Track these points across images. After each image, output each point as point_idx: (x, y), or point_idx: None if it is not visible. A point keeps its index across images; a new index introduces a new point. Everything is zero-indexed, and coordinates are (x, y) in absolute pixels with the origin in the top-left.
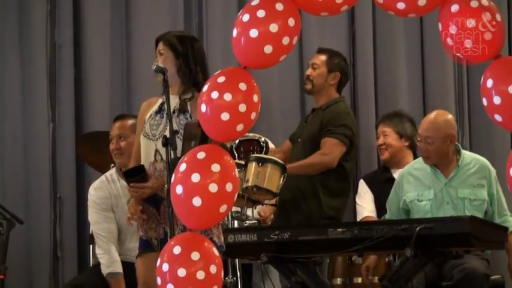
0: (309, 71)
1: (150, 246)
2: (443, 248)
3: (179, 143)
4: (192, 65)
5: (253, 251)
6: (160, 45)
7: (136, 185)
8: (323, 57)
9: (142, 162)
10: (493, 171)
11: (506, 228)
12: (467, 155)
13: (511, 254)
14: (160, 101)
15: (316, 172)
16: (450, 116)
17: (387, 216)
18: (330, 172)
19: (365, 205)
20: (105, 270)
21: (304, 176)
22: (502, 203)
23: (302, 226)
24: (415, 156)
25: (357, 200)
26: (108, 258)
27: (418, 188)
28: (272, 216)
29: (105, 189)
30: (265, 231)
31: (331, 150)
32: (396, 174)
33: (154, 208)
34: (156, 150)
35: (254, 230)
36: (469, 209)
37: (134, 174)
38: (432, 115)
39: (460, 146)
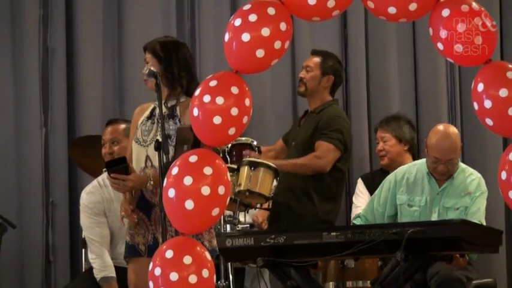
0: (302, 74)
1: (136, 252)
2: (434, 252)
3: (170, 148)
4: (175, 69)
5: (251, 255)
6: (146, 53)
7: (118, 176)
8: (317, 60)
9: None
10: (483, 184)
11: (501, 232)
12: (463, 167)
13: None
14: (152, 106)
15: (307, 173)
16: (455, 128)
17: (362, 212)
18: (324, 175)
19: (360, 205)
20: (98, 275)
21: (299, 178)
22: (475, 212)
23: (297, 230)
24: (414, 159)
25: (354, 199)
26: (100, 262)
27: (410, 193)
28: (266, 222)
29: (97, 193)
30: (262, 235)
31: (325, 154)
32: None
33: (144, 214)
34: (147, 156)
35: (251, 234)
36: (450, 216)
37: (116, 165)
38: (445, 135)
39: None
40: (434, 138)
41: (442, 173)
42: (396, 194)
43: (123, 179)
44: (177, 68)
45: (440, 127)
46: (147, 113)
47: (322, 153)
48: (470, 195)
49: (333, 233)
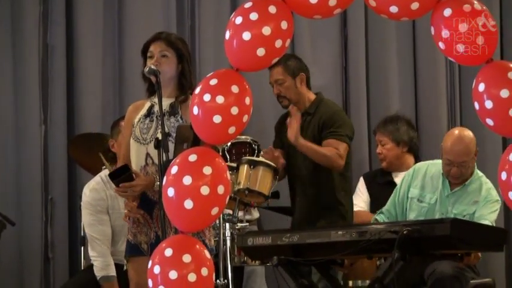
0: (276, 90)
1: (138, 251)
2: (429, 251)
3: (171, 146)
4: (190, 68)
5: (269, 253)
6: (162, 46)
7: (125, 185)
8: (280, 69)
9: (133, 167)
10: (496, 194)
11: (504, 230)
12: (478, 175)
13: None
14: (148, 104)
15: (323, 164)
16: (470, 132)
17: (385, 207)
18: (343, 178)
19: (358, 203)
20: (98, 273)
21: (323, 186)
22: (483, 215)
23: (310, 229)
24: (416, 158)
25: (353, 198)
26: (102, 261)
27: (423, 188)
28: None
29: (101, 190)
30: (278, 234)
31: (344, 155)
32: (397, 177)
33: (146, 212)
34: (147, 154)
35: (269, 233)
36: None
37: (120, 175)
38: (459, 139)
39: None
40: (449, 141)
41: (455, 176)
42: (410, 186)
43: (130, 186)
44: (191, 66)
45: (456, 131)
46: (143, 110)
47: (343, 154)
48: (478, 203)
49: (340, 232)
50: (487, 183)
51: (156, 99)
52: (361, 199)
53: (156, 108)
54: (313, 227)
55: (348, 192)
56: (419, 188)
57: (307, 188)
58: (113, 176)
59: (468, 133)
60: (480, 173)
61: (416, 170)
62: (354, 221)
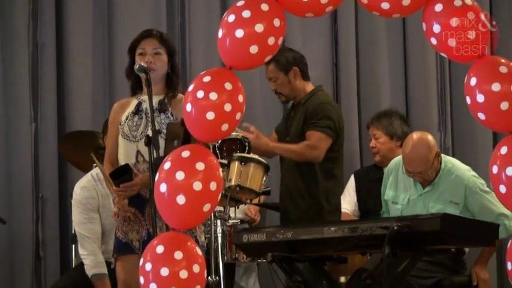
0: (272, 86)
1: (128, 249)
2: (420, 246)
3: (162, 143)
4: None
5: (264, 250)
6: (155, 43)
7: (125, 185)
8: (272, 67)
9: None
10: (473, 183)
11: (496, 225)
12: (447, 168)
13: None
14: (135, 101)
15: (299, 161)
16: (429, 137)
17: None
18: (326, 170)
19: (344, 205)
20: (89, 271)
21: (303, 176)
22: (489, 210)
23: (303, 225)
24: None
25: (341, 197)
26: (93, 259)
27: (396, 189)
28: (259, 214)
29: (92, 188)
30: (273, 231)
31: (318, 144)
32: None
33: (138, 210)
34: (138, 152)
35: (263, 229)
36: None
37: (120, 175)
38: (414, 150)
39: (441, 158)
40: (406, 149)
41: (420, 182)
42: (386, 188)
43: (130, 185)
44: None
45: (413, 137)
46: (131, 108)
47: (315, 143)
48: (458, 207)
49: (332, 228)
50: (459, 175)
51: (142, 97)
52: (346, 200)
53: (145, 105)
54: (289, 218)
55: (332, 189)
56: (393, 188)
57: (289, 181)
58: (114, 176)
59: (423, 142)
60: (449, 165)
61: (390, 171)
62: None
